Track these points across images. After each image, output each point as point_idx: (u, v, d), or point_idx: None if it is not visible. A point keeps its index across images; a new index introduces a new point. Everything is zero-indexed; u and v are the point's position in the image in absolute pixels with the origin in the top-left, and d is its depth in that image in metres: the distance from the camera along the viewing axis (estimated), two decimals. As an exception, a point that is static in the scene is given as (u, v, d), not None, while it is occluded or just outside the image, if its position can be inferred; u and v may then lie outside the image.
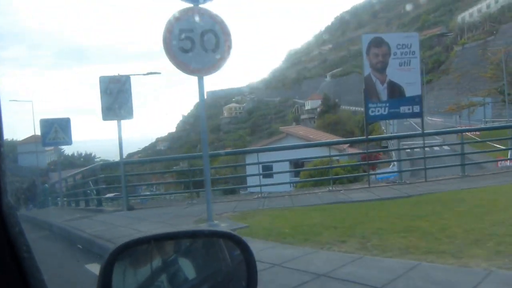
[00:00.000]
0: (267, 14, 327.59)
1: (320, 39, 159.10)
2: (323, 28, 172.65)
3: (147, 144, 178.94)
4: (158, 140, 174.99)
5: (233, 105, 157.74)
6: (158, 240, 1.42)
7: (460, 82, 58.65)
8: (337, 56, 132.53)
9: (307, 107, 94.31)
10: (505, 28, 55.20)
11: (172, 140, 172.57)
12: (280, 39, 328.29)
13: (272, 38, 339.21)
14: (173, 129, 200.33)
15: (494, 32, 56.70)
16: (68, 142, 15.12)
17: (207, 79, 6.67)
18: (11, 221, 0.95)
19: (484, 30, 60.15)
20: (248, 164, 18.13)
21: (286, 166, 31.66)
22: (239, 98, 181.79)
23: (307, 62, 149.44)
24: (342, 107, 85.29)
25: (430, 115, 51.63)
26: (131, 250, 1.34)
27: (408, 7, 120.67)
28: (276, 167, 27.20)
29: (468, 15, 72.40)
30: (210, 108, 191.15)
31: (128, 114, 10.51)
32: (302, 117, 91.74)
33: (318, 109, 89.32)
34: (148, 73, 24.78)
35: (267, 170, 29.66)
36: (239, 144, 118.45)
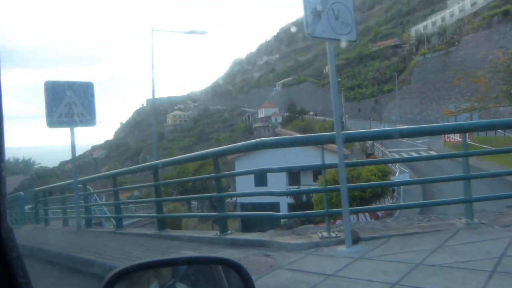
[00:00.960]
0: (210, 23, 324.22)
1: (267, 49, 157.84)
2: (268, 38, 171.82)
3: (81, 152, 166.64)
4: (95, 148, 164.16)
5: (177, 112, 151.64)
6: (157, 266, 1.42)
7: (423, 91, 58.17)
8: (285, 66, 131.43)
9: (261, 115, 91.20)
10: (467, 39, 55.39)
11: (110, 148, 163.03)
12: (223, 48, 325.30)
13: (215, 47, 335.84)
14: (110, 136, 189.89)
15: (456, 43, 56.76)
16: (91, 121, 9.62)
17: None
18: (9, 245, 0.94)
19: (444, 41, 60.28)
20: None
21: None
22: (181, 106, 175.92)
23: (253, 72, 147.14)
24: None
25: (400, 123, 50.13)
26: (130, 275, 1.34)
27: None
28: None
29: (422, 27, 73.15)
30: (151, 116, 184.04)
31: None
32: (255, 125, 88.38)
33: (273, 117, 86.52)
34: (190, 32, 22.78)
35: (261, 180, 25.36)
36: (187, 152, 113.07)
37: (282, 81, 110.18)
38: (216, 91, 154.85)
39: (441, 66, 57.77)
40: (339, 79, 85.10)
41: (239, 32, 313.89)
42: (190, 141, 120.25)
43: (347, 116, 56.40)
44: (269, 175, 25.02)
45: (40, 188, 14.91)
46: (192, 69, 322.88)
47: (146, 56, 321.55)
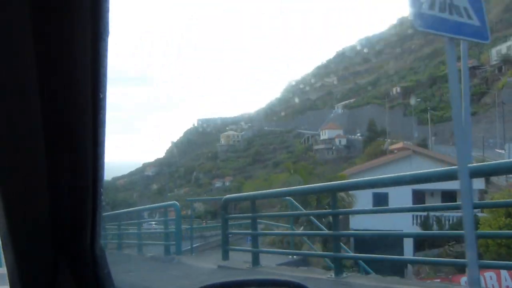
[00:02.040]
0: (265, 44, 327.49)
1: (324, 71, 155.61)
2: (325, 61, 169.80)
3: (132, 169, 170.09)
4: (146, 166, 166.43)
5: (231, 132, 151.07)
6: (228, 286, 1.44)
7: (516, 113, 53.26)
8: (344, 89, 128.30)
9: (323, 136, 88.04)
10: None
11: (161, 166, 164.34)
12: (278, 69, 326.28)
13: (269, 68, 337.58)
14: (161, 155, 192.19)
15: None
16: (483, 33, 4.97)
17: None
18: (102, 263, 1.04)
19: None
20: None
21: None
22: (234, 127, 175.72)
23: (310, 94, 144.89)
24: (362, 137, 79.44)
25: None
26: None
27: (418, 41, 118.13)
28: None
29: (506, 47, 68.31)
30: (203, 136, 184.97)
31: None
32: (316, 147, 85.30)
33: (337, 139, 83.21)
34: None
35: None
36: (241, 173, 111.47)
37: (343, 103, 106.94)
38: (271, 112, 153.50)
39: (536, 88, 52.82)
40: (405, 101, 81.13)
41: (294, 54, 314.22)
42: (244, 162, 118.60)
43: (433, 138, 52.26)
44: (391, 196, 21.85)
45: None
46: (246, 90, 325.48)
47: (196, 76, 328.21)
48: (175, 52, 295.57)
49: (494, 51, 72.36)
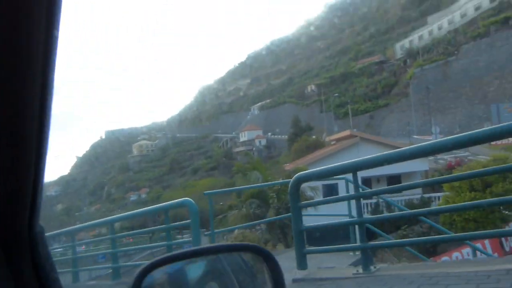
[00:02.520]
0: (175, 49, 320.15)
1: (236, 75, 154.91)
2: (236, 64, 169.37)
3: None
4: (48, 185, 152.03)
5: (144, 142, 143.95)
6: (185, 257, 1.41)
7: (425, 102, 55.64)
8: (258, 90, 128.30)
9: (243, 138, 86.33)
10: (467, 48, 53.83)
11: (66, 185, 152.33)
12: (189, 75, 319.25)
13: (181, 74, 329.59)
14: (65, 172, 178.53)
15: (456, 52, 55.07)
16: None
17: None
18: (41, 241, 1.02)
19: (439, 52, 58.69)
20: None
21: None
22: (146, 136, 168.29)
23: (224, 97, 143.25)
24: (284, 136, 79.13)
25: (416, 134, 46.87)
26: (158, 271, 1.28)
27: (326, 41, 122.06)
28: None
29: (408, 42, 72.05)
30: (112, 148, 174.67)
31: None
32: (236, 149, 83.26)
33: (257, 140, 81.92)
34: None
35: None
36: (158, 183, 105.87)
37: (259, 104, 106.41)
38: (184, 119, 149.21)
39: (441, 76, 55.68)
40: (322, 98, 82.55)
41: (205, 58, 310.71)
42: (161, 171, 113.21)
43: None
44: (340, 186, 20.16)
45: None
46: (156, 98, 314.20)
47: (102, 88, 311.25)
48: (76, 64, 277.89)
49: (398, 46, 76.03)
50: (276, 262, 1.34)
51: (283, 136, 79.19)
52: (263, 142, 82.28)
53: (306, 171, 7.13)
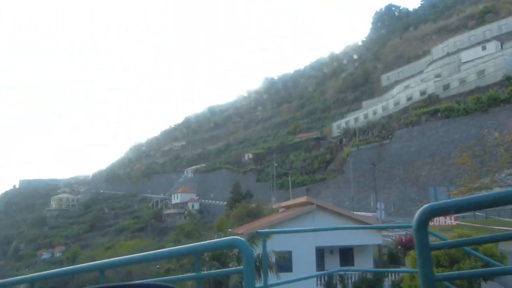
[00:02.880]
0: (109, 106, 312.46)
1: (171, 136, 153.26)
2: (172, 125, 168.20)
3: None
4: None
5: (64, 195, 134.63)
6: None
7: (361, 180, 57.76)
8: (193, 154, 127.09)
9: (175, 200, 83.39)
10: (400, 133, 57.67)
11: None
12: (120, 132, 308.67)
13: (112, 130, 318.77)
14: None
15: (390, 136, 58.77)
16: None
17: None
18: None
19: (374, 135, 62.42)
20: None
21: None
22: (67, 189, 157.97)
23: (156, 157, 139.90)
24: (218, 202, 77.66)
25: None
26: None
27: (265, 112, 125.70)
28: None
29: (345, 123, 76.01)
30: (26, 199, 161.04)
31: None
32: (167, 211, 79.98)
33: (190, 203, 79.48)
34: None
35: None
36: (76, 241, 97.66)
37: (194, 167, 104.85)
38: (112, 175, 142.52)
39: (376, 157, 58.58)
40: (259, 167, 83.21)
41: (140, 116, 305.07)
42: (80, 228, 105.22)
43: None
44: (294, 254, 19.36)
45: None
46: (81, 150, 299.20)
47: (19, 134, 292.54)
48: None
49: (334, 125, 79.87)
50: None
51: (217, 202, 77.72)
52: (196, 206, 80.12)
53: (441, 202, 6.05)
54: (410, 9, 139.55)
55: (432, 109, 56.05)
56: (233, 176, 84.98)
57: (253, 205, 45.39)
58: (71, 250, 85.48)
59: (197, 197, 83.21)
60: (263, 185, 75.04)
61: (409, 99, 65.06)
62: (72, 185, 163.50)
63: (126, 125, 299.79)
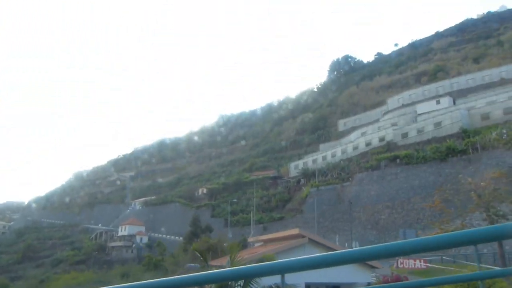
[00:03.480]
0: (54, 130, 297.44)
1: (118, 166, 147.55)
2: (121, 155, 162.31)
3: None
4: None
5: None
6: None
7: (320, 221, 57.44)
8: (142, 185, 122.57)
9: (122, 232, 78.77)
10: (360, 177, 58.51)
11: None
12: (63, 157, 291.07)
13: (54, 154, 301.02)
14: None
15: (350, 178, 59.46)
16: None
17: None
18: None
19: (333, 176, 63.07)
20: None
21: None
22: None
23: (101, 187, 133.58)
24: (170, 236, 74.28)
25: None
26: None
27: (219, 149, 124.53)
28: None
29: (302, 163, 76.44)
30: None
31: None
32: (112, 244, 75.17)
33: (138, 236, 75.36)
34: None
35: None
36: (5, 272, 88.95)
37: (143, 199, 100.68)
38: (51, 203, 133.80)
39: (336, 198, 58.83)
40: (213, 202, 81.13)
41: (85, 143, 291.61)
42: (11, 258, 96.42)
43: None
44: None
45: None
46: (17, 175, 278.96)
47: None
48: None
49: (292, 165, 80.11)
50: None
51: (169, 236, 74.39)
52: (145, 239, 76.02)
53: None
54: (365, 61, 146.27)
55: (392, 155, 57.58)
56: (186, 210, 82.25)
57: (213, 240, 43.39)
58: (-1, 281, 77.54)
59: (146, 231, 79.15)
60: (218, 221, 72.93)
61: (368, 144, 66.71)
62: (5, 211, 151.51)
63: (69, 151, 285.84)
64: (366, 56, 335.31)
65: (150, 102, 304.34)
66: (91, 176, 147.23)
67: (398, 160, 56.84)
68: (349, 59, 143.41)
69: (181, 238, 69.89)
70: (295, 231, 23.25)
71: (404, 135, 62.27)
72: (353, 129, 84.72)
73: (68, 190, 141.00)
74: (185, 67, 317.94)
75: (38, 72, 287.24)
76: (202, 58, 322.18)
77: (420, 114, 68.74)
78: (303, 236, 20.64)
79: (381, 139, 64.88)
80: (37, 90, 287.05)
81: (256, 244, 29.15)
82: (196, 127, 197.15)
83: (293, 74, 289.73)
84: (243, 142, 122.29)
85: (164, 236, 75.14)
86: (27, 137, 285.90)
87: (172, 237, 72.62)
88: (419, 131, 60.94)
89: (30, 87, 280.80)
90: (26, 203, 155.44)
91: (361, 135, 74.76)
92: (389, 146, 62.31)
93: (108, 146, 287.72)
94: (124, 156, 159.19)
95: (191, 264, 38.84)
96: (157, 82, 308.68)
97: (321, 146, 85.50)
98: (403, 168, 54.52)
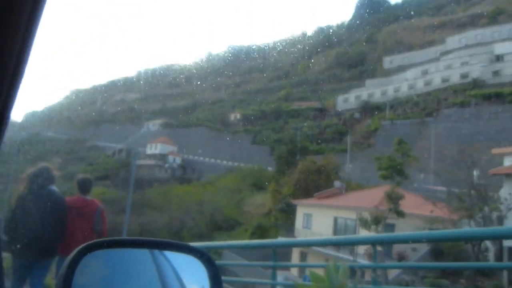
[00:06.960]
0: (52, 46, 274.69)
1: (123, 87, 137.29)
2: (128, 75, 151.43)
3: None
4: None
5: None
6: (130, 245, 1.42)
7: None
8: (148, 108, 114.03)
9: (152, 151, 71.50)
10: (447, 112, 52.43)
11: None
12: (64, 74, 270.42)
13: (56, 70, 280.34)
14: None
15: (435, 114, 53.33)
16: None
17: None
18: None
19: (405, 111, 56.87)
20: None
21: None
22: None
23: (107, 106, 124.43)
24: (210, 159, 67.69)
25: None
26: (100, 252, 1.29)
27: (234, 78, 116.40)
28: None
29: (354, 97, 70.19)
30: None
31: None
32: (141, 162, 67.74)
33: (171, 156, 68.41)
34: None
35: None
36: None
37: (158, 121, 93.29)
38: (49, 118, 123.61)
39: (417, 134, 52.89)
40: (255, 128, 74.66)
41: (85, 61, 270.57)
42: (12, 169, 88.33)
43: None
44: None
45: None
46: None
47: None
48: None
49: (340, 98, 73.64)
50: (216, 268, 1.34)
51: (207, 159, 67.94)
52: (178, 160, 69.14)
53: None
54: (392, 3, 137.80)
55: (492, 91, 51.31)
56: (219, 135, 75.53)
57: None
58: None
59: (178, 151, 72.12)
60: (260, 148, 66.66)
61: (444, 81, 60.27)
62: None
63: (67, 67, 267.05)
64: None
65: (154, 25, 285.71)
66: (92, 94, 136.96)
67: (492, 99, 50.87)
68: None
69: (224, 162, 63.81)
70: None
71: (495, 73, 55.83)
72: (400, 67, 78.43)
73: (67, 106, 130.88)
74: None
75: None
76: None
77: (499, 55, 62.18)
78: None
79: (463, 76, 58.42)
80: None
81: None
82: (203, 55, 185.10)
83: (305, 11, 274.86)
84: (258, 74, 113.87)
85: (201, 158, 68.31)
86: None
87: (213, 160, 66.02)
88: (515, 69, 54.56)
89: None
90: (24, 117, 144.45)
91: (421, 74, 68.64)
92: (476, 83, 55.97)
93: (108, 67, 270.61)
94: (132, 77, 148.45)
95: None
96: (164, 4, 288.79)
97: (367, 82, 78.98)
98: (506, 107, 48.50)
